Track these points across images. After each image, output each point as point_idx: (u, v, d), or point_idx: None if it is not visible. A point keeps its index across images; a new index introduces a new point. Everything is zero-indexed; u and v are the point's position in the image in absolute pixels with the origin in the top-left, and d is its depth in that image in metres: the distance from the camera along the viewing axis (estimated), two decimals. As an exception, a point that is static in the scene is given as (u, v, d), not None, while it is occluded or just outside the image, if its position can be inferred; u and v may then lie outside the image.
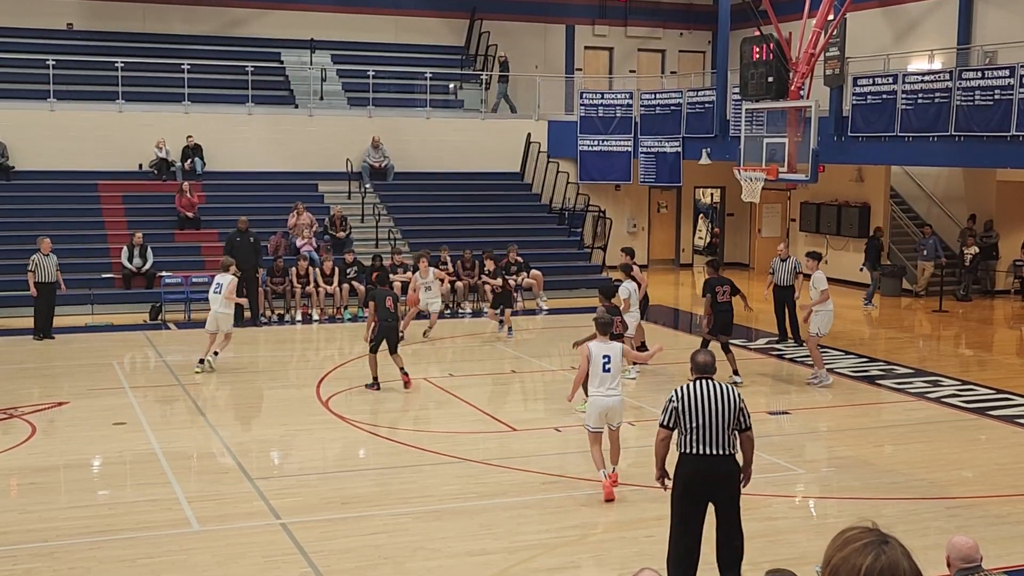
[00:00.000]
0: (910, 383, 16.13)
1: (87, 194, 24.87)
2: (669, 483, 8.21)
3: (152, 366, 17.57)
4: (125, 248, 22.51)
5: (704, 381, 8.07)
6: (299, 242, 23.62)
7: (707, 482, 7.95)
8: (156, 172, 25.76)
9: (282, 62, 29.28)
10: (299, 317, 21.84)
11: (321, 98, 28.22)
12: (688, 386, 8.03)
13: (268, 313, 21.67)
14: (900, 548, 2.79)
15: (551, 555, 9.07)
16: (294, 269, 22.05)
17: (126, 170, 25.71)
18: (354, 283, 22.29)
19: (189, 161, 25.91)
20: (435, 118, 28.54)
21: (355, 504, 10.48)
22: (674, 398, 7.97)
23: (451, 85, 30.31)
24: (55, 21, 28.23)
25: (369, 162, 27.34)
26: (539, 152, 28.85)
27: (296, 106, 28.05)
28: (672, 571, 7.95)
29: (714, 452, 7.90)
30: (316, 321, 21.74)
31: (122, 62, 26.14)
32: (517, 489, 10.86)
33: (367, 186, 26.81)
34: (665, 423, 8.03)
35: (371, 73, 28.26)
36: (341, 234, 24.42)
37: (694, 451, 7.89)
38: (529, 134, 28.87)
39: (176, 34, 28.68)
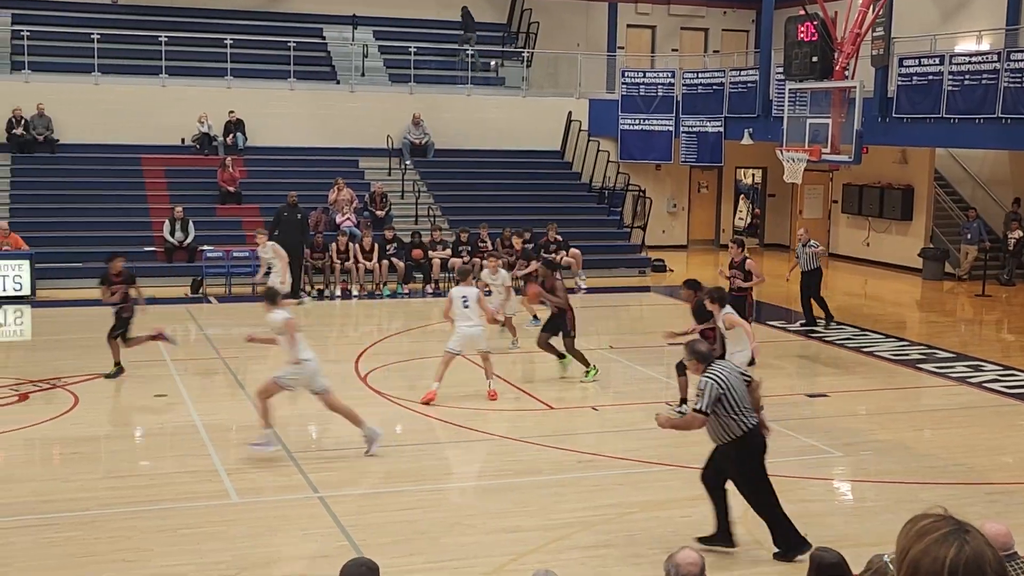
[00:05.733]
0: (951, 367, 15.98)
1: (130, 168, 25.08)
2: None
3: (193, 339, 17.72)
4: (167, 222, 22.70)
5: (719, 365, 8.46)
6: (339, 218, 23.72)
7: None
8: (198, 146, 25.92)
9: (324, 38, 29.33)
10: (338, 293, 21.95)
11: (363, 74, 28.26)
12: (720, 374, 8.25)
13: (308, 288, 21.78)
14: (981, 537, 2.63)
15: (587, 533, 9.09)
16: (334, 245, 22.16)
17: (169, 144, 25.90)
18: (393, 260, 22.36)
19: (231, 136, 26.05)
20: (476, 95, 28.50)
21: (391, 479, 10.55)
22: (718, 386, 8.14)
23: (492, 62, 30.24)
24: (101, -5, 28.44)
25: (410, 139, 27.36)
26: (580, 130, 28.75)
27: (337, 82, 28.11)
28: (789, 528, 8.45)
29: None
30: (355, 297, 21.83)
31: (166, 37, 26.28)
32: (553, 467, 10.88)
33: (407, 163, 26.85)
34: (705, 409, 8.20)
35: (413, 49, 28.26)
36: (381, 212, 24.48)
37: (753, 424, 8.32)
38: (570, 112, 28.77)
39: (219, 9, 28.78)
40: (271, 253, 18.01)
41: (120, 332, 14.37)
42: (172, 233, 22.57)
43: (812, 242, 18.69)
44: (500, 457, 11.32)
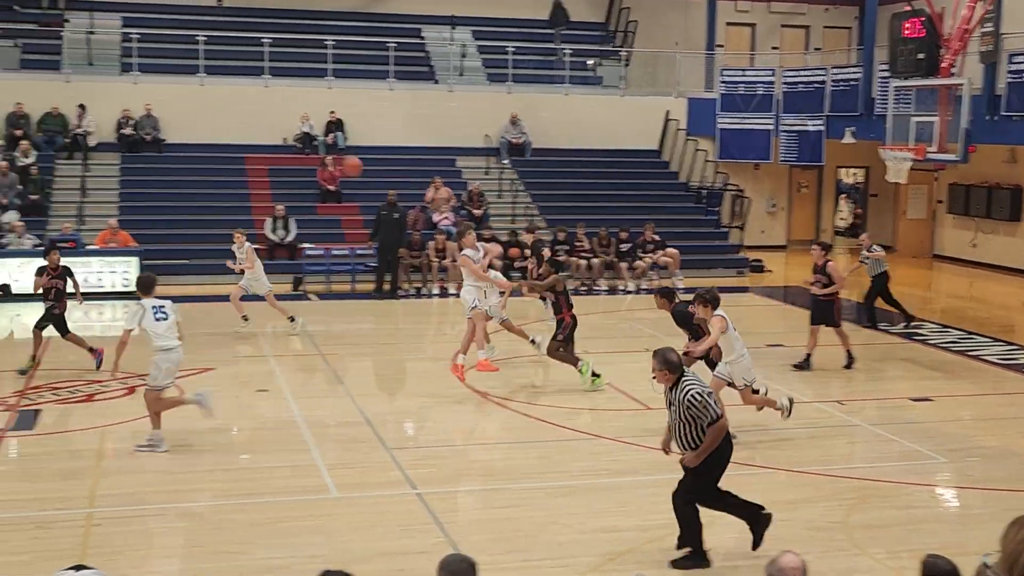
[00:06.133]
0: (1062, 373, 15.50)
1: (234, 167, 25.61)
2: None
3: (293, 335, 18.00)
4: (269, 220, 23.11)
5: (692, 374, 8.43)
6: (436, 216, 23.91)
7: None
8: (300, 146, 26.35)
9: (423, 38, 29.57)
10: (436, 291, 22.12)
11: (461, 74, 28.44)
12: (699, 380, 8.29)
13: (405, 286, 21.99)
14: None
15: (683, 535, 9.00)
16: (431, 243, 22.33)
17: (271, 143, 26.37)
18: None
19: (332, 135, 26.43)
20: (573, 94, 28.47)
21: (489, 477, 10.60)
22: (708, 391, 8.22)
23: (590, 61, 30.18)
24: (210, -3, 29.07)
25: (507, 138, 27.45)
26: (678, 130, 28.55)
27: (436, 82, 28.33)
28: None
29: None
30: (453, 295, 21.96)
31: (269, 38, 26.76)
32: (650, 467, 10.82)
33: (505, 162, 26.94)
34: (721, 413, 8.22)
35: (511, 49, 28.34)
36: (478, 211, 24.60)
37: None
38: (668, 111, 28.59)
39: (321, 10, 29.20)
40: (246, 254, 17.40)
41: (46, 324, 14.57)
42: (274, 231, 22.98)
43: (874, 247, 18.23)
44: (597, 456, 11.30)
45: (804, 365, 15.30)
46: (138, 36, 26.39)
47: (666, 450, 8.82)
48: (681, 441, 8.27)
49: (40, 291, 14.66)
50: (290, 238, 23.01)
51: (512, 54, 28.31)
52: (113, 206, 23.68)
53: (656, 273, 23.36)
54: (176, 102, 25.89)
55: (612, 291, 22.88)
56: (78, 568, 5.46)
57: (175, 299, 18.28)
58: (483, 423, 12.79)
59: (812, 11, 32.64)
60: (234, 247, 17.66)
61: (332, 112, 26.58)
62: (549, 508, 9.66)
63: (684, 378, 8.12)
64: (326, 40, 26.99)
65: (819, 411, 13.28)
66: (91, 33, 26.93)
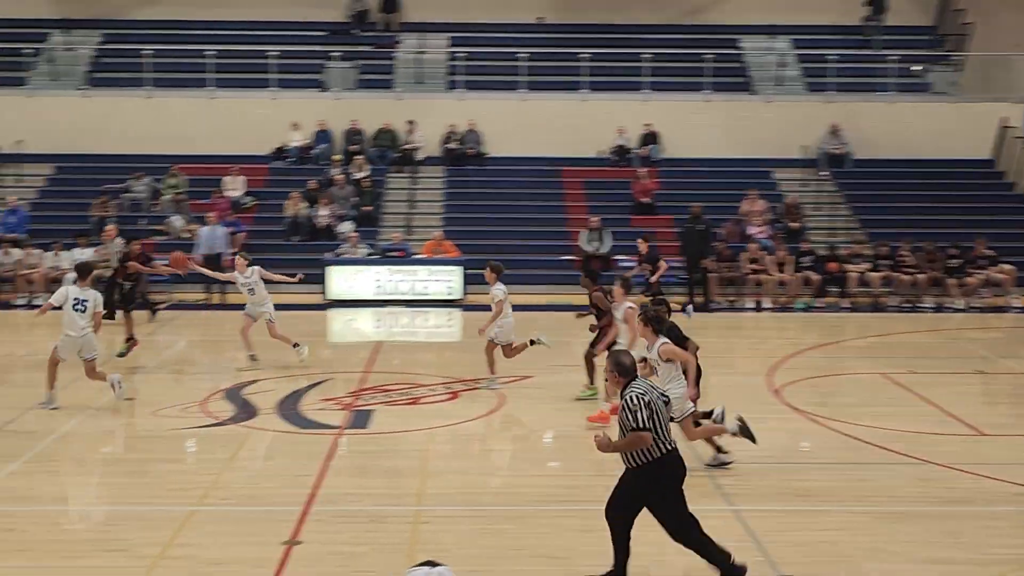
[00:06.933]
0: None
1: (551, 179, 26.22)
2: None
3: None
4: (584, 232, 23.47)
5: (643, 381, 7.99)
6: (751, 229, 23.51)
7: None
8: (615, 158, 26.64)
9: (740, 48, 29.19)
10: (750, 304, 21.74)
11: (779, 83, 27.87)
12: (645, 388, 7.81)
13: (719, 299, 21.74)
14: None
15: (1025, 573, 8.40)
16: (744, 255, 21.98)
17: (587, 156, 26.80)
18: (808, 272, 21.85)
19: (646, 147, 26.55)
20: (900, 102, 27.23)
21: (810, 497, 10.26)
22: (646, 401, 7.70)
23: (918, 67, 28.75)
24: (526, 15, 29.89)
25: (826, 148, 26.63)
26: (1015, 137, 26.74)
27: (753, 92, 27.88)
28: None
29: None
30: (767, 309, 21.54)
31: (587, 53, 27.22)
32: (986, 497, 10.15)
33: (823, 173, 26.14)
34: (647, 425, 7.68)
35: (831, 57, 27.47)
36: (795, 223, 23.96)
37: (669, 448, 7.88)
38: (1005, 118, 26.82)
39: (638, 24, 29.42)
40: (255, 277, 15.71)
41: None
42: (589, 242, 23.32)
43: None
44: (927, 483, 10.71)
45: None
46: (464, 55, 27.53)
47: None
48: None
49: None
50: (605, 250, 23.27)
51: (833, 62, 27.43)
52: (438, 217, 24.78)
53: (989, 291, 21.98)
54: (497, 117, 26.82)
55: (939, 308, 21.71)
56: (432, 564, 5.65)
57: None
58: (801, 441, 12.40)
59: None
60: (235, 274, 15.89)
61: (647, 124, 26.70)
62: (875, 533, 9.23)
63: (632, 382, 7.83)
64: (642, 53, 27.15)
65: None
66: (421, 53, 28.38)
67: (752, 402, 13.87)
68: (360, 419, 12.86)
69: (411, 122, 26.70)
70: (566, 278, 22.83)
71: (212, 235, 22.34)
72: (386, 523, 9.40)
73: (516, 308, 19.48)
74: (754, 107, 27.35)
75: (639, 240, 20.85)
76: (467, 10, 29.64)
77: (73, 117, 26.77)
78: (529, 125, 26.84)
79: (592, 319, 14.24)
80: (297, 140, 26.76)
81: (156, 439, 11.99)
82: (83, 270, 13.31)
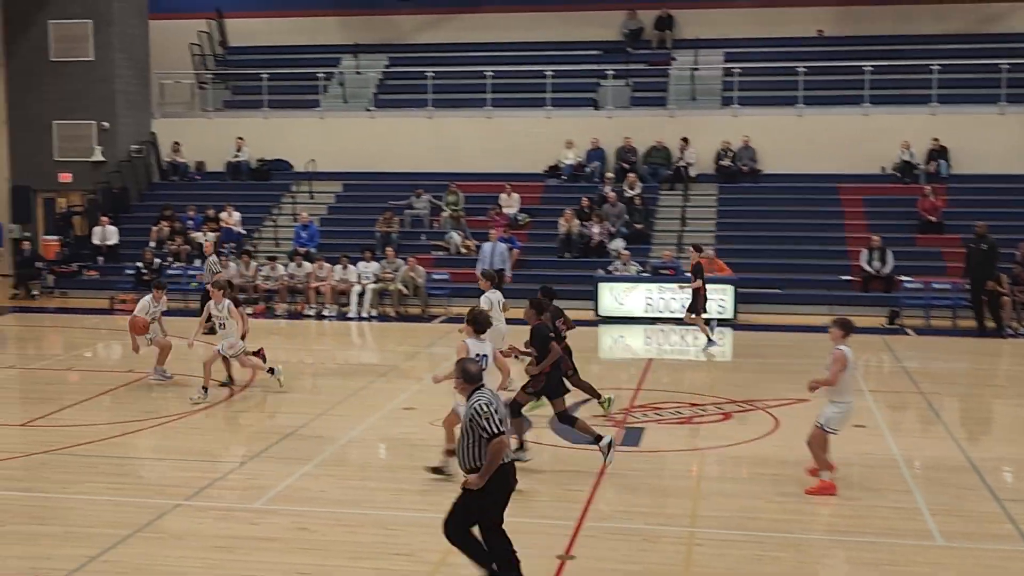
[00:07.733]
0: None
1: (828, 197, 25.40)
2: None
3: (887, 370, 17.41)
4: (864, 251, 22.60)
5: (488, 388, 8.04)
6: (1051, 250, 21.94)
7: None
8: (899, 175, 25.54)
9: (1039, 57, 27.41)
10: (1036, 329, 20.33)
11: (1082, 93, 25.96)
12: (491, 396, 7.89)
13: (1015, 325, 20.39)
14: None
15: None
16: (1042, 278, 20.57)
17: (868, 173, 25.82)
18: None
19: (933, 163, 25.32)
20: None
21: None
22: (496, 407, 7.81)
23: None
24: (806, 29, 29.16)
25: None
26: None
27: (1053, 104, 26.11)
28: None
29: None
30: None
31: (870, 66, 26.25)
32: None
33: None
34: (502, 429, 7.78)
35: None
36: (1100, 242, 22.23)
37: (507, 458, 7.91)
38: None
39: (925, 34, 28.17)
40: (226, 312, 14.90)
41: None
42: (870, 262, 22.43)
43: None
44: None
45: None
46: (739, 70, 27.12)
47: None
48: (464, 455, 7.85)
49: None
50: (887, 270, 22.33)
51: None
52: (710, 235, 24.47)
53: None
54: (773, 133, 26.27)
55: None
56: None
57: (766, 328, 18.35)
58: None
59: None
60: (210, 304, 15.20)
61: (935, 139, 25.46)
62: None
63: (479, 390, 7.87)
64: (930, 64, 25.94)
65: None
66: (695, 70, 28.17)
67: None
68: (632, 437, 12.81)
69: (684, 139, 26.53)
70: (845, 299, 22.07)
71: (493, 251, 22.91)
72: (659, 543, 9.28)
73: (793, 328, 19.02)
74: (1055, 119, 25.60)
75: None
76: (742, 25, 29.27)
77: (360, 137, 28.18)
78: (806, 141, 26.15)
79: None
80: (570, 158, 27.12)
81: (428, 448, 12.29)
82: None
